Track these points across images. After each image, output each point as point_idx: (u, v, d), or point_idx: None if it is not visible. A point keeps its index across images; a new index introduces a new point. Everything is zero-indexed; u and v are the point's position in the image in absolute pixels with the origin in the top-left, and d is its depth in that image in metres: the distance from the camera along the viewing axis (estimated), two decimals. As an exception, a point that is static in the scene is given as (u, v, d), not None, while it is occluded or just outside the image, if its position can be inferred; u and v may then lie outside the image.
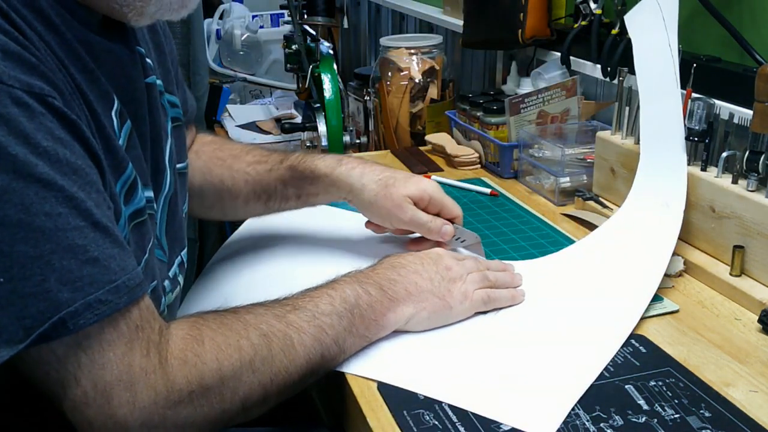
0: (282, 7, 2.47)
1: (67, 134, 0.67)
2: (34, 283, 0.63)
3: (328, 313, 0.81)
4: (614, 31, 1.39)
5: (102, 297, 0.66)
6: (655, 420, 0.75)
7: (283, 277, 0.92)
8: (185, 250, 0.97)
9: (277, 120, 2.21)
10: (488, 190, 1.37)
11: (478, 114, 1.50)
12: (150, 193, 0.84)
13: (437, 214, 1.04)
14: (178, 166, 0.96)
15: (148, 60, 0.89)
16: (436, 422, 0.75)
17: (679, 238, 1.04)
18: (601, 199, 1.24)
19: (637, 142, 1.13)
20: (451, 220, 1.05)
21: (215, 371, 0.71)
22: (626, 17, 1.16)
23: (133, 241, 0.79)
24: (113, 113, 0.78)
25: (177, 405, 0.69)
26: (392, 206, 1.01)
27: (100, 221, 0.67)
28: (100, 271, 0.66)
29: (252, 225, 1.23)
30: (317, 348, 0.79)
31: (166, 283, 0.89)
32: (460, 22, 1.75)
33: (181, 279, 0.95)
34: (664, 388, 0.80)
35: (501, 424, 0.75)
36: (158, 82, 0.91)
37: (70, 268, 0.64)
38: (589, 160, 1.30)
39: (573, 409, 0.76)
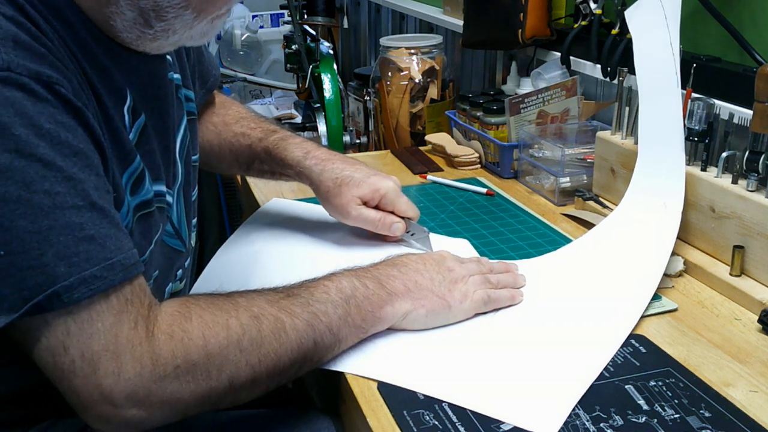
0: (282, 7, 2.47)
1: (70, 119, 0.70)
2: (32, 257, 0.66)
3: (322, 301, 0.82)
4: (614, 31, 1.39)
5: (97, 273, 0.68)
6: (655, 420, 0.75)
7: (284, 275, 0.92)
8: (194, 232, 1.01)
9: (278, 120, 2.22)
10: (484, 190, 1.37)
11: (478, 114, 1.50)
12: (161, 187, 0.87)
13: (392, 212, 1.10)
14: (193, 158, 1.01)
15: (168, 57, 0.92)
16: (436, 422, 0.75)
17: (679, 238, 1.04)
18: (601, 199, 1.24)
19: (637, 141, 1.13)
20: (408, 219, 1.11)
21: (201, 347, 0.72)
22: (627, 13, 1.15)
23: (138, 232, 0.81)
24: (125, 109, 0.81)
25: (162, 379, 0.70)
26: (339, 205, 1.09)
27: (97, 202, 0.70)
28: (96, 248, 0.68)
29: (252, 225, 1.23)
30: (309, 333, 0.79)
31: (180, 272, 0.93)
32: (460, 22, 1.75)
33: (189, 265, 0.99)
34: (664, 388, 0.80)
35: (501, 424, 0.75)
36: (176, 76, 0.95)
37: (67, 244, 0.67)
38: (589, 160, 1.30)
39: (573, 409, 0.76)
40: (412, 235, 1.12)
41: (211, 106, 1.22)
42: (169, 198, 0.90)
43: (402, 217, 1.11)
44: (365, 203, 1.09)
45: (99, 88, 0.77)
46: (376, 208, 1.10)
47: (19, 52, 0.67)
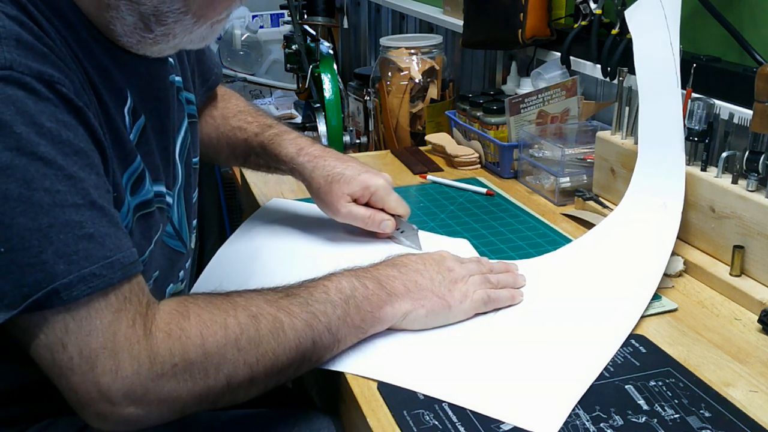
0: (282, 7, 2.47)
1: (72, 118, 0.70)
2: (32, 254, 0.66)
3: (321, 301, 0.82)
4: (614, 31, 1.39)
5: (96, 271, 0.68)
6: (655, 420, 0.75)
7: (284, 275, 0.92)
8: (195, 234, 1.03)
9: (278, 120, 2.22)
10: (484, 190, 1.37)
11: (478, 114, 1.50)
12: (161, 188, 0.88)
13: (383, 210, 1.11)
14: (193, 160, 1.01)
15: (171, 59, 0.93)
16: (436, 422, 0.75)
17: (679, 238, 1.04)
18: (601, 199, 1.24)
19: (637, 141, 1.13)
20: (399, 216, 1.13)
21: (199, 346, 0.72)
22: (626, 13, 1.15)
23: (138, 232, 0.82)
24: (126, 110, 0.82)
25: (160, 377, 0.70)
26: (330, 201, 1.10)
27: (97, 201, 0.70)
28: (95, 246, 0.68)
29: (252, 225, 1.23)
30: (308, 333, 0.79)
31: (181, 273, 0.94)
32: (460, 22, 1.75)
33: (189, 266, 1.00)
34: (664, 388, 0.80)
35: (501, 424, 0.75)
36: (177, 79, 0.96)
37: (67, 242, 0.67)
38: (589, 160, 1.30)
39: (573, 409, 0.76)
40: (401, 232, 1.13)
41: (213, 100, 1.23)
42: (169, 199, 0.90)
43: (392, 215, 1.11)
44: (356, 200, 1.10)
45: (100, 88, 0.77)
46: (367, 205, 1.11)
47: (22, 51, 0.68)
